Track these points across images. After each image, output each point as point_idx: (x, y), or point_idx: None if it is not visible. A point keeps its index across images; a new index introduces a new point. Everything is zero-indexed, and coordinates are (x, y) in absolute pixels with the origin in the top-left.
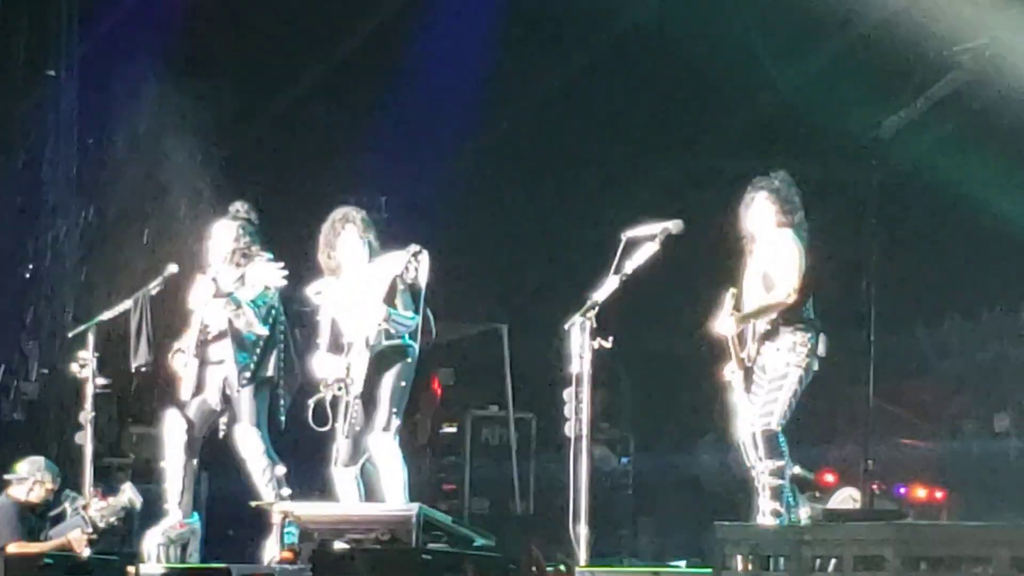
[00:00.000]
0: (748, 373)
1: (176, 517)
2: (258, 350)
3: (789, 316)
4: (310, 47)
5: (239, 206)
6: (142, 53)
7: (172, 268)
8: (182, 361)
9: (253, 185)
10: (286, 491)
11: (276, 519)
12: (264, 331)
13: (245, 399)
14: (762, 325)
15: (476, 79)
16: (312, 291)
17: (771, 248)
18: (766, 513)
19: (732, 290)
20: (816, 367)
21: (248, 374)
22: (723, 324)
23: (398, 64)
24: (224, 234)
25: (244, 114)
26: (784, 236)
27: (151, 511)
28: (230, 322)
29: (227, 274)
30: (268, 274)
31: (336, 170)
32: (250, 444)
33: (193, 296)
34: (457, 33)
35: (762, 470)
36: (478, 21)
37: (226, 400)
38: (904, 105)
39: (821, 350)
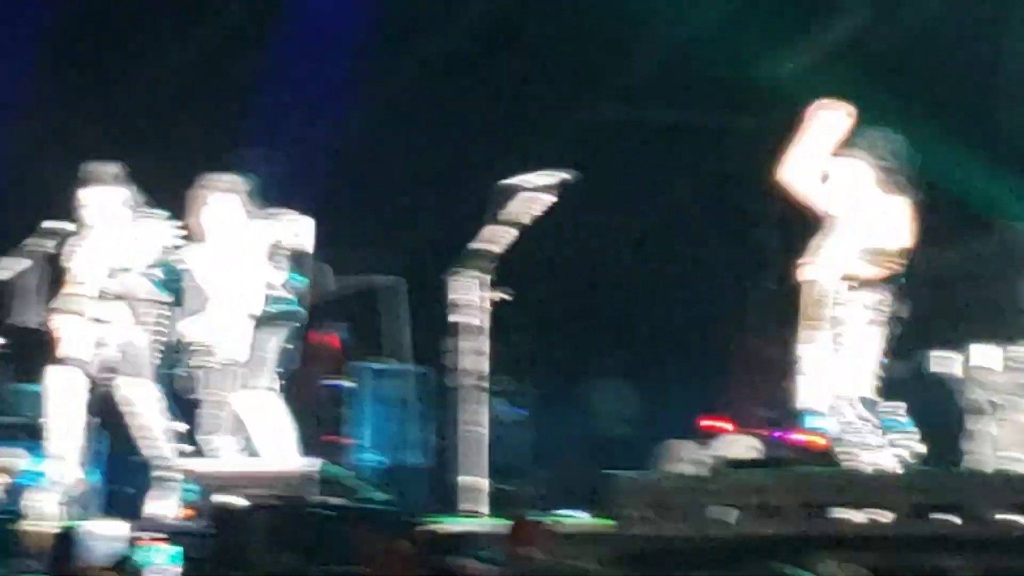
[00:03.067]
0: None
1: (75, 475)
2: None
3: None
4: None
5: (109, 168)
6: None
7: (68, 226)
8: (69, 323)
9: (139, 144)
10: (186, 447)
11: (175, 476)
12: (166, 298)
13: (143, 355)
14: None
15: (370, 27)
16: (180, 257)
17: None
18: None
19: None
20: (899, 325)
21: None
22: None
23: (288, 15)
24: (102, 200)
25: (131, 68)
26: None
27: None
28: (128, 290)
29: (117, 240)
30: (164, 233)
31: (226, 127)
32: (148, 399)
33: (74, 258)
34: None
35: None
36: None
37: (123, 358)
38: (807, 49)
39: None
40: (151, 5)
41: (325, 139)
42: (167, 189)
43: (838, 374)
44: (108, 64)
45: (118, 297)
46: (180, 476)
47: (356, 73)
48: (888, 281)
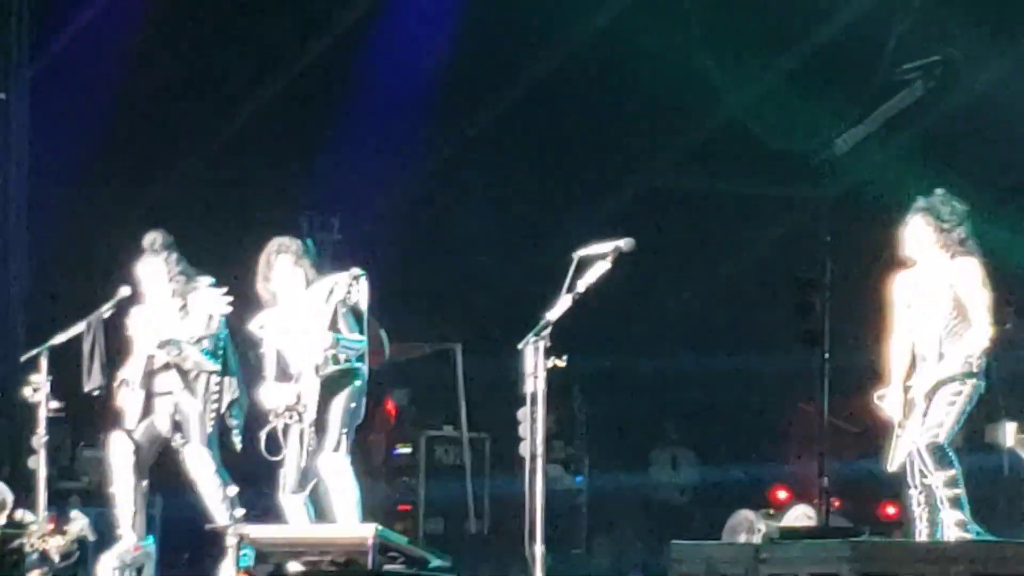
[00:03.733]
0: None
1: (130, 541)
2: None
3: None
4: (261, 66)
5: (155, 236)
6: (94, 76)
7: (125, 291)
8: (126, 393)
9: (202, 208)
10: (239, 511)
11: (231, 542)
12: (214, 367)
13: (195, 421)
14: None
15: (428, 99)
16: (255, 325)
17: (954, 274)
18: (950, 526)
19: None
20: (984, 387)
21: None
22: (892, 406)
23: (349, 85)
24: (151, 270)
25: (194, 135)
26: (972, 264)
27: (104, 536)
28: (181, 359)
29: (167, 309)
30: (211, 301)
31: (289, 192)
32: (202, 464)
33: (132, 328)
34: (409, 53)
35: (935, 484)
36: (430, 41)
37: (175, 426)
38: (856, 122)
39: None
40: (204, 69)
41: (385, 205)
42: (221, 254)
43: (922, 439)
44: (165, 131)
45: (171, 366)
46: (236, 541)
47: (417, 140)
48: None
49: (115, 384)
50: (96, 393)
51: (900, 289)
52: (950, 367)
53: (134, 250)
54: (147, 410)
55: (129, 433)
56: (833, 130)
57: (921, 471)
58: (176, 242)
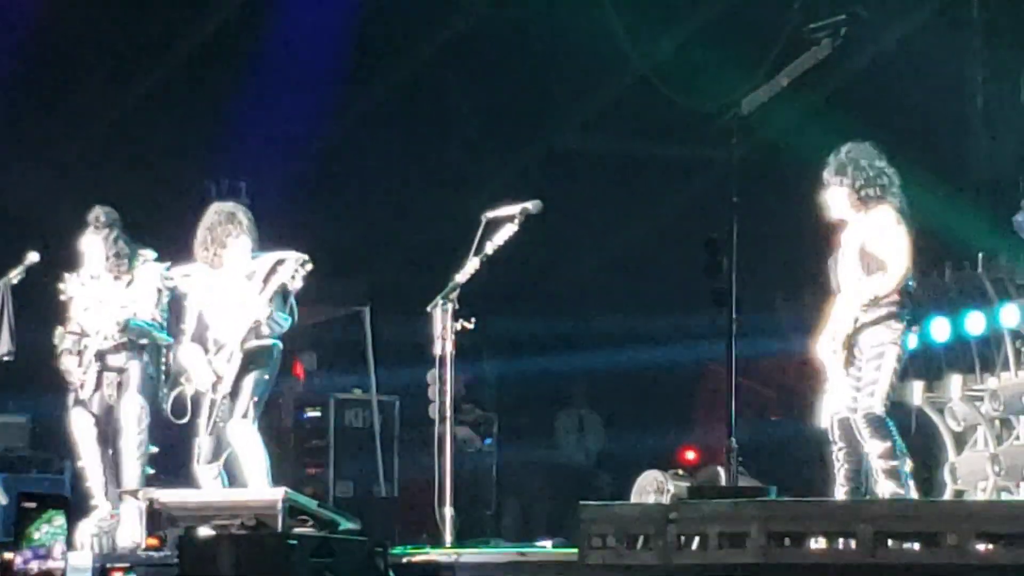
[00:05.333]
0: (850, 351)
1: (106, 509)
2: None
3: (898, 291)
4: (166, 31)
5: (98, 213)
6: None
7: (33, 256)
8: (71, 361)
9: (109, 173)
10: (150, 470)
11: (141, 505)
12: (168, 341)
13: (136, 386)
14: (873, 308)
15: (334, 60)
16: (179, 273)
17: (866, 227)
18: (886, 495)
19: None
20: (912, 342)
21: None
22: (825, 354)
23: (255, 47)
24: (95, 247)
25: (100, 100)
26: (883, 212)
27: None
28: (130, 340)
29: (108, 284)
30: (157, 277)
31: (194, 155)
32: (132, 415)
33: (70, 294)
34: (314, 15)
35: (872, 453)
36: (337, 4)
37: (118, 392)
38: (763, 82)
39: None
40: (110, 33)
41: (292, 169)
42: (130, 219)
43: (845, 398)
44: (71, 96)
45: (127, 344)
46: (147, 505)
47: (323, 104)
48: (893, 299)
49: (57, 348)
50: (5, 359)
51: (839, 246)
52: (850, 308)
53: (40, 216)
54: (98, 383)
55: (85, 406)
56: (740, 90)
57: (847, 435)
58: (118, 219)
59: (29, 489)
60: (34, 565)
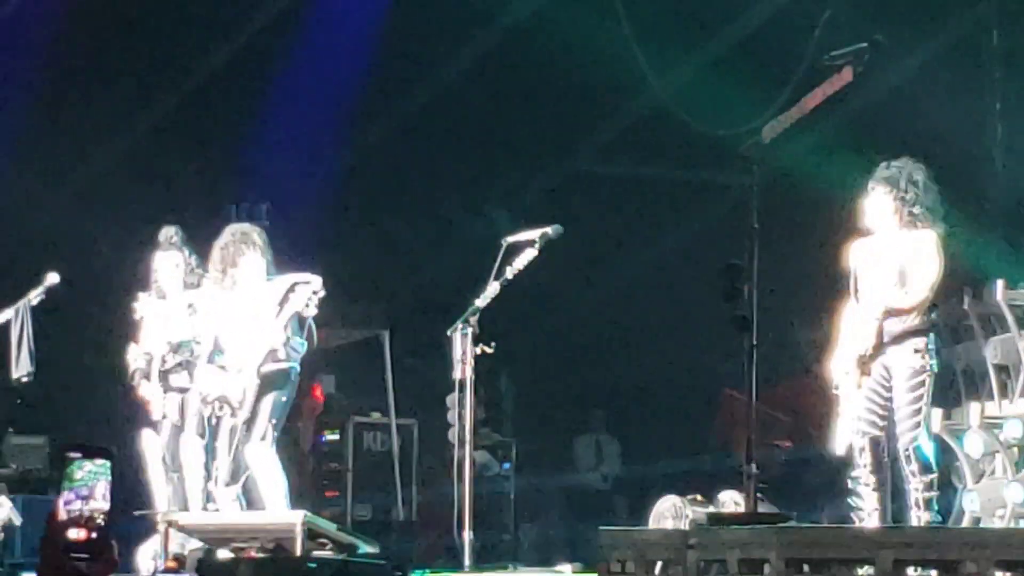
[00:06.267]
0: (866, 370)
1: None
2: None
3: (924, 317)
4: (189, 54)
5: (172, 231)
6: (15, 65)
7: (53, 277)
8: (148, 389)
9: (131, 194)
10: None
11: (160, 528)
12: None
13: (194, 412)
14: (896, 323)
15: (356, 85)
16: (197, 296)
17: (908, 247)
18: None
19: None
20: (936, 366)
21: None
22: (840, 376)
23: (278, 69)
24: (170, 264)
25: (119, 124)
26: (928, 238)
27: (33, 521)
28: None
29: (177, 305)
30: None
31: (217, 177)
32: (195, 454)
33: (142, 315)
34: (337, 37)
35: (917, 486)
36: (356, 29)
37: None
38: (784, 109)
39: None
40: (129, 57)
41: (313, 192)
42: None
43: (871, 420)
44: (90, 119)
45: (183, 364)
46: (166, 527)
47: (344, 128)
48: (924, 321)
49: (130, 372)
50: (24, 380)
51: (855, 258)
52: (872, 320)
53: (56, 239)
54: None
55: (155, 427)
56: (760, 117)
57: (876, 458)
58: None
59: (47, 510)
60: (77, 506)
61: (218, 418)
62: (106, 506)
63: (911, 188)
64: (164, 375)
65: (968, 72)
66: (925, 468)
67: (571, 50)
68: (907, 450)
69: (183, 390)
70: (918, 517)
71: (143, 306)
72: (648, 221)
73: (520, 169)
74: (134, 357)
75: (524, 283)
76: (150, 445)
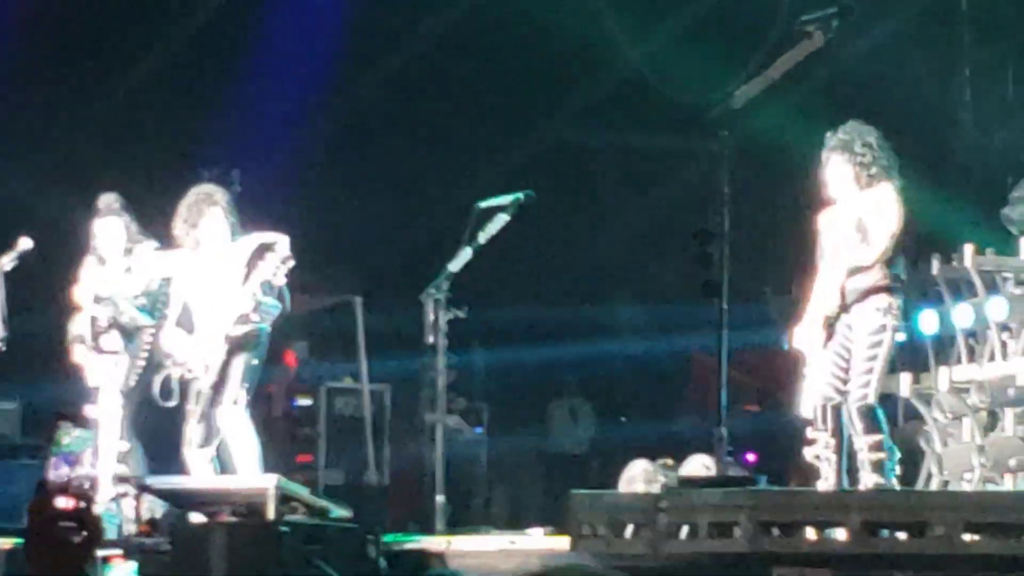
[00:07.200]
0: (830, 331)
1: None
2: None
3: (886, 274)
4: (163, 18)
5: (112, 198)
6: None
7: (26, 242)
8: (82, 352)
9: (103, 160)
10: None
11: (132, 491)
12: (148, 322)
13: (123, 373)
14: (858, 281)
15: (329, 51)
16: (163, 260)
17: (865, 203)
18: (869, 487)
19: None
20: (900, 335)
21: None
22: (804, 340)
23: (251, 35)
24: (110, 231)
25: (93, 90)
26: (884, 190)
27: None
28: (114, 319)
29: (115, 268)
30: (155, 266)
31: (188, 143)
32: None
33: (83, 281)
34: (311, 4)
35: (861, 446)
36: None
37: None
38: (754, 75)
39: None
40: (101, 23)
41: (285, 158)
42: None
43: (833, 381)
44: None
45: (112, 325)
46: (139, 492)
47: (317, 93)
48: (886, 277)
49: (69, 339)
50: None
51: (822, 227)
52: (834, 280)
53: (35, 205)
54: (103, 371)
55: (96, 391)
56: (731, 83)
57: (836, 423)
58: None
59: (18, 476)
60: (64, 471)
61: (187, 381)
62: (94, 472)
63: (867, 151)
64: (96, 337)
65: (938, 37)
66: (869, 428)
67: (544, 19)
68: (854, 408)
69: (114, 352)
70: (865, 479)
71: (85, 274)
72: (621, 188)
73: (494, 136)
74: (75, 324)
75: (497, 248)
76: (112, 410)
